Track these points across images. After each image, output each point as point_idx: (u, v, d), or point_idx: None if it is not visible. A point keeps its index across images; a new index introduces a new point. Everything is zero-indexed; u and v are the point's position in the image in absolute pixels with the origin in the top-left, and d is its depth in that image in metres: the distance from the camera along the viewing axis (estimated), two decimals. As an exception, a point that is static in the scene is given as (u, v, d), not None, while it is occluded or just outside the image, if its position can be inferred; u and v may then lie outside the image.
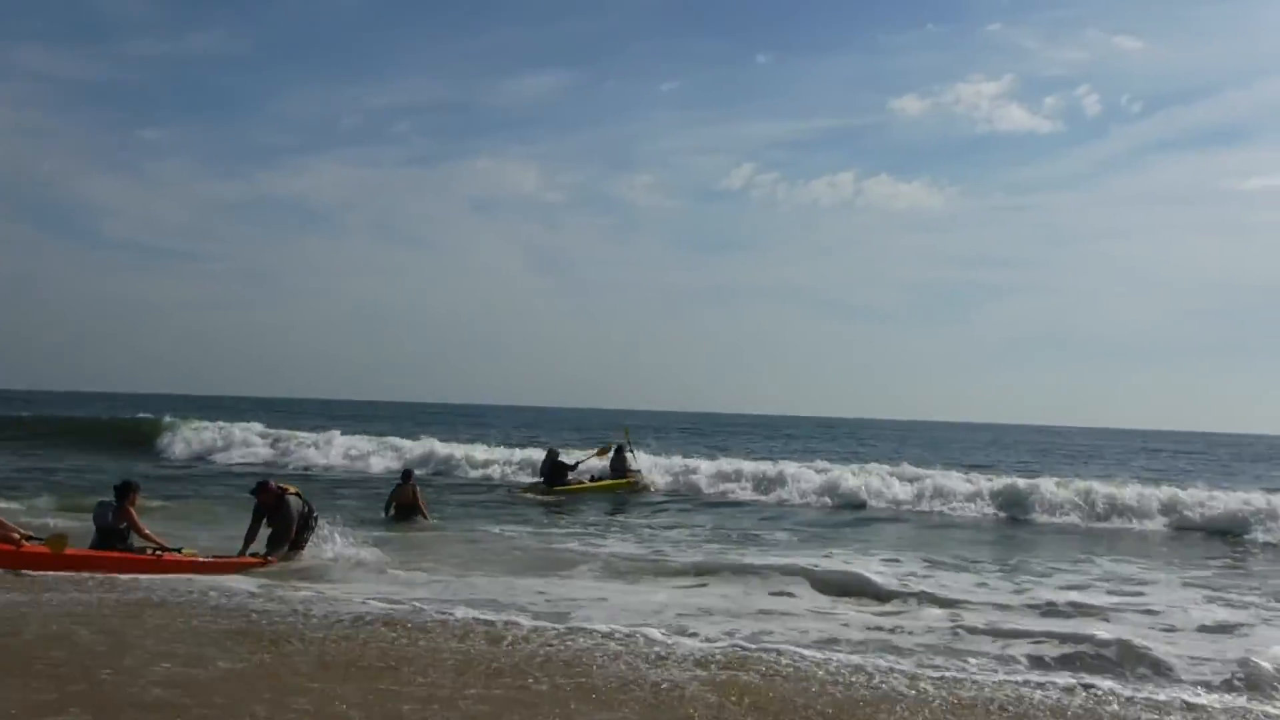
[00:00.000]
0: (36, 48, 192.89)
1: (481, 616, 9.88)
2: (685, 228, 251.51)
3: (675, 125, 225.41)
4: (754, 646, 9.02)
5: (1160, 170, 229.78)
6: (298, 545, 13.43)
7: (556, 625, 9.63)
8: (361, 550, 13.65)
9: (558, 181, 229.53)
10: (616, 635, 9.25)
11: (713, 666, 8.25)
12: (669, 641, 9.11)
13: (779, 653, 8.78)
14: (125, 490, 12.50)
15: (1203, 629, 10.79)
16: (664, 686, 7.60)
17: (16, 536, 11.79)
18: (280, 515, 13.20)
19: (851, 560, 14.59)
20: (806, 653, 8.85)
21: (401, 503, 18.16)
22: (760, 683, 7.82)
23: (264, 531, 13.33)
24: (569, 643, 8.91)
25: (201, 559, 12.47)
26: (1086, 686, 8.06)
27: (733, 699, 7.31)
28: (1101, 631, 9.92)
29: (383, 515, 18.10)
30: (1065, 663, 9.11)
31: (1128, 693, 7.96)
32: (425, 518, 18.03)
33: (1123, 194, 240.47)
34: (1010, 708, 7.41)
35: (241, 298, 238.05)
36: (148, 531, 12.46)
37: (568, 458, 26.08)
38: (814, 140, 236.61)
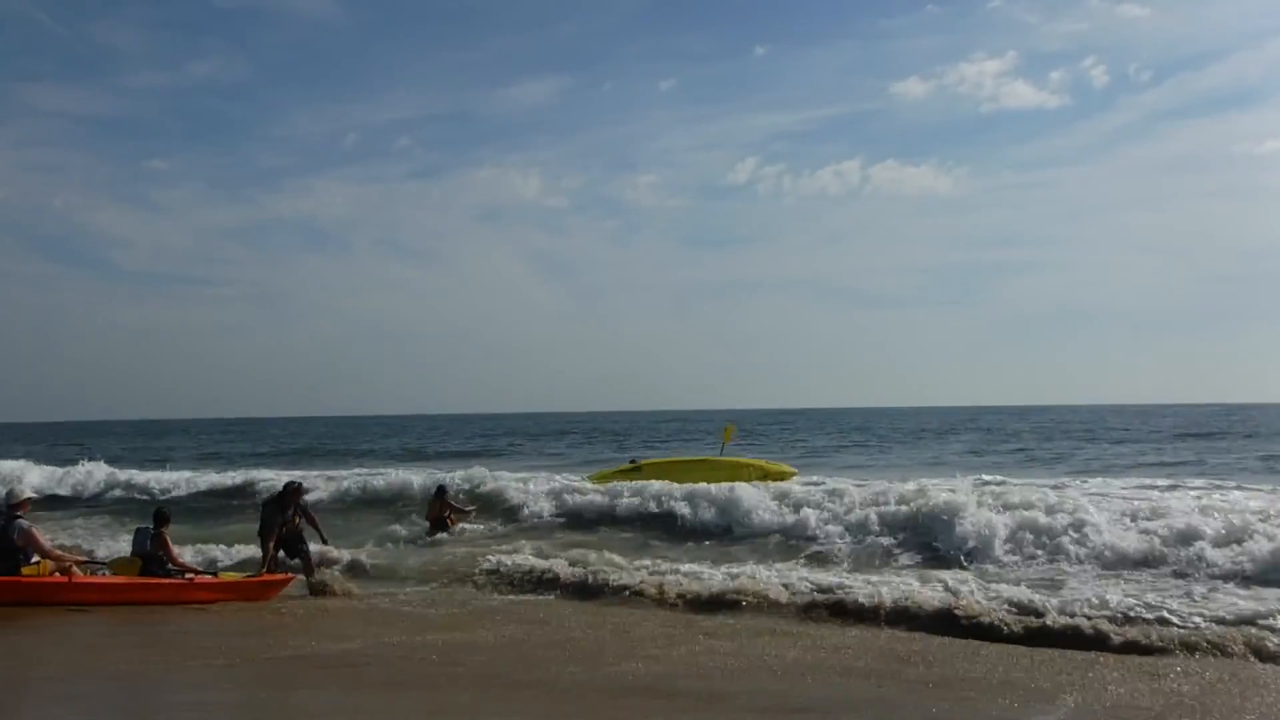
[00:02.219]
0: (43, 86, 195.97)
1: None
2: (691, 225, 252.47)
3: (675, 123, 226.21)
4: None
5: (1172, 138, 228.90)
6: (305, 558, 13.26)
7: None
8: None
9: (560, 186, 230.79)
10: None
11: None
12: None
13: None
14: (160, 518, 12.53)
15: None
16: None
17: (69, 564, 11.78)
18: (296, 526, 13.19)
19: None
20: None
21: (430, 517, 18.05)
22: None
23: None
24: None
25: (229, 581, 12.55)
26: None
27: None
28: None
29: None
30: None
31: None
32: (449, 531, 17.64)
33: (1135, 164, 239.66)
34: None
35: (252, 320, 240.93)
36: (180, 559, 12.59)
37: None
38: (818, 129, 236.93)
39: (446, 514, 18.03)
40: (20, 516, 11.49)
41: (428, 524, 17.97)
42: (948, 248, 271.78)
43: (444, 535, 17.49)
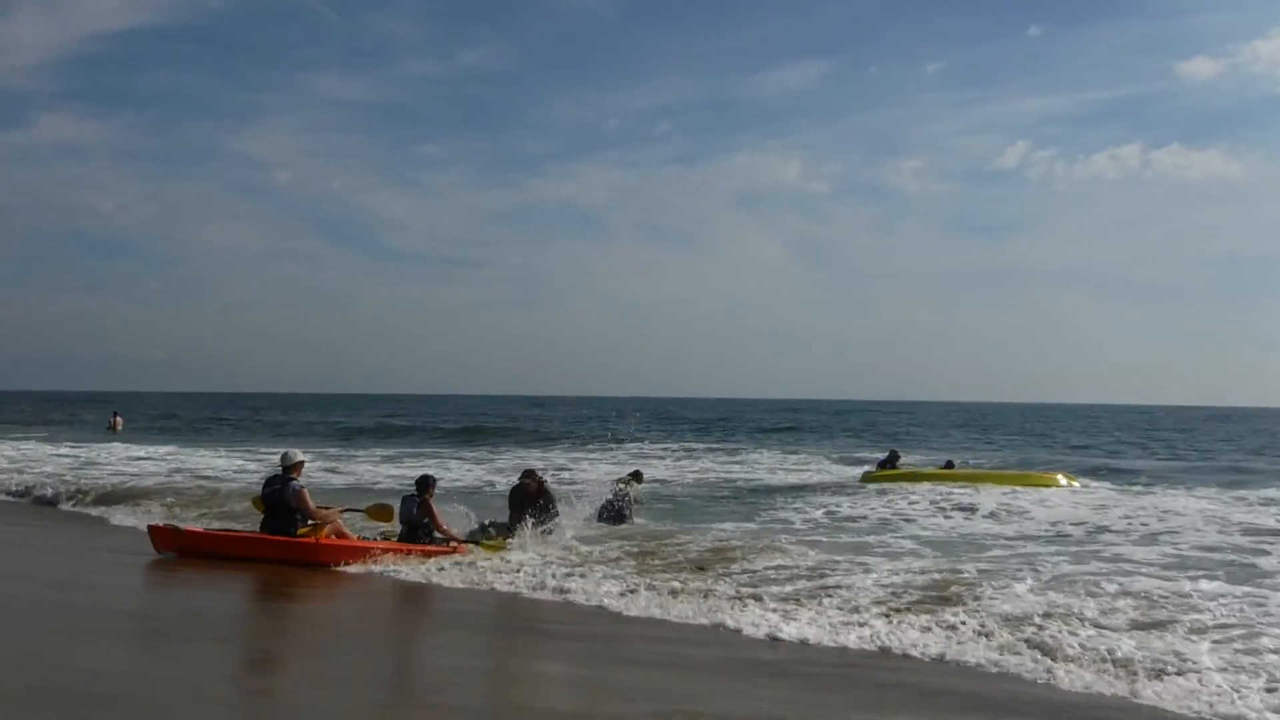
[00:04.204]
0: (325, 76, 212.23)
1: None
2: (956, 212, 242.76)
3: (942, 107, 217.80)
4: None
5: None
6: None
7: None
8: None
9: (821, 171, 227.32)
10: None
11: None
12: None
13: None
14: (425, 484, 12.73)
15: None
16: None
17: (336, 522, 12.00)
18: (544, 500, 13.42)
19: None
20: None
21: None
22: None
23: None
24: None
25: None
26: None
27: None
28: None
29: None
30: None
31: None
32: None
33: None
34: None
35: (514, 300, 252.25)
36: (445, 525, 12.65)
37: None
38: (1093, 113, 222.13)
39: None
40: (293, 479, 11.97)
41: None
42: (1238, 238, 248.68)
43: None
